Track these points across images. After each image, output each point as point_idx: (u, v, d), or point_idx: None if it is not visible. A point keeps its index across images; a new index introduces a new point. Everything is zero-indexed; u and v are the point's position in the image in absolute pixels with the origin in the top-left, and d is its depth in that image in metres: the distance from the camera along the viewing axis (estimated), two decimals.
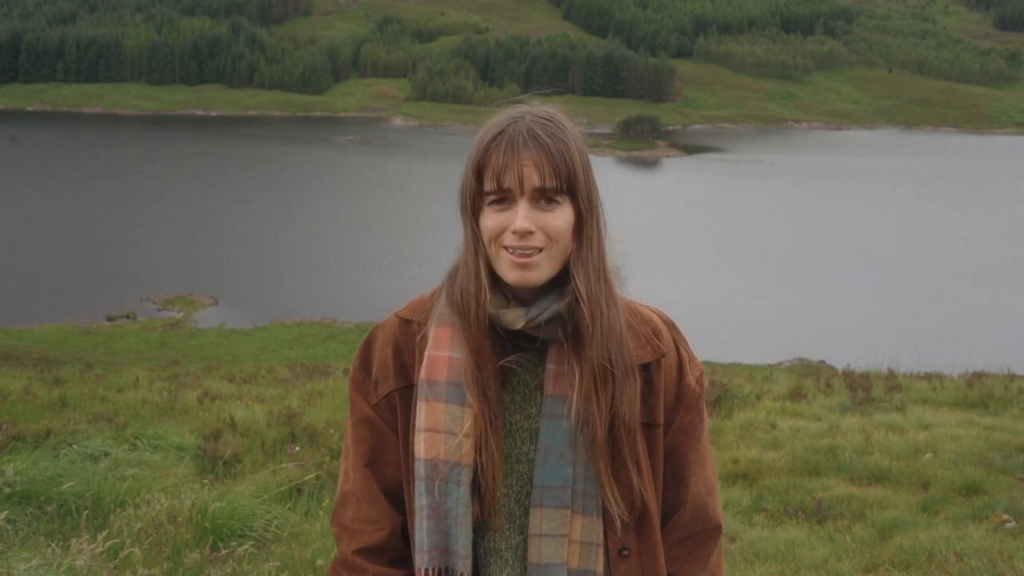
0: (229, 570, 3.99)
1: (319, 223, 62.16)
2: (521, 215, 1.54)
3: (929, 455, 7.69)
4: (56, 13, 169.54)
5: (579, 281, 1.56)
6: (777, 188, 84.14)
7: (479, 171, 1.57)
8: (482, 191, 1.58)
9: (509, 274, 1.56)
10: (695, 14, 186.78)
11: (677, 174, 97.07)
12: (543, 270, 1.56)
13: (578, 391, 1.56)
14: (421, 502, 1.58)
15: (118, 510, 4.58)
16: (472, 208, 1.60)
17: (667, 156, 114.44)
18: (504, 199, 1.56)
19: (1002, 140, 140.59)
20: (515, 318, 1.57)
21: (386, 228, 60.84)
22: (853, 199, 77.93)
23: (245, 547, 4.27)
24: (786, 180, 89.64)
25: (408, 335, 1.65)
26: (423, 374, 1.58)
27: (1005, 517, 5.93)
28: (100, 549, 3.81)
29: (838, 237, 61.30)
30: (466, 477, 1.56)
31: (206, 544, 4.25)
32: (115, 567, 3.78)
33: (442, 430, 1.56)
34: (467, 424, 1.56)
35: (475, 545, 1.61)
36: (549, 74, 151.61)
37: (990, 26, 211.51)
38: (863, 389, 10.96)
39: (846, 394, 11.08)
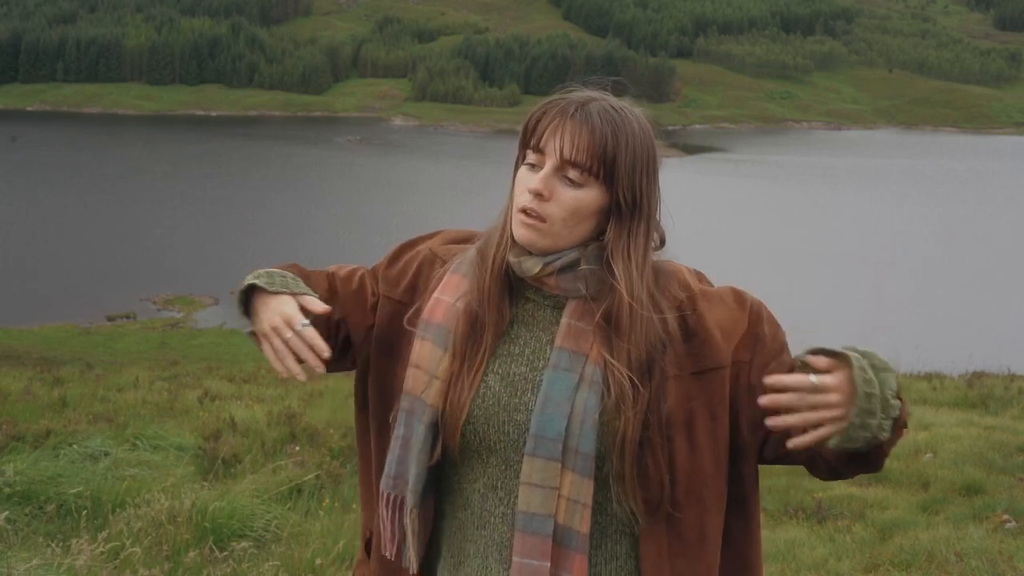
0: (229, 570, 3.99)
1: (319, 223, 62.17)
2: (539, 177, 1.56)
3: (929, 455, 7.69)
4: (56, 13, 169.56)
5: (618, 269, 1.56)
6: (776, 188, 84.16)
7: (528, 129, 1.60)
8: (526, 148, 1.61)
9: (517, 230, 1.59)
10: (695, 14, 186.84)
11: (677, 174, 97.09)
12: (546, 238, 1.57)
13: (615, 383, 1.54)
14: (398, 432, 1.65)
15: (118, 510, 4.58)
16: (517, 162, 1.64)
17: (667, 156, 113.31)
18: (539, 163, 1.58)
19: (1002, 140, 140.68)
20: (532, 264, 1.59)
21: (386, 228, 60.82)
22: (853, 199, 77.94)
23: (245, 547, 4.27)
24: (785, 180, 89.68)
25: (433, 268, 1.71)
26: (425, 314, 1.64)
27: (1005, 517, 5.93)
28: (100, 549, 3.81)
29: (838, 237, 61.30)
30: (428, 417, 1.61)
31: (206, 544, 4.25)
32: (115, 567, 3.78)
33: (423, 368, 1.63)
34: (442, 367, 1.61)
35: (471, 483, 1.63)
36: (549, 74, 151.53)
37: (990, 26, 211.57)
38: None
39: None
